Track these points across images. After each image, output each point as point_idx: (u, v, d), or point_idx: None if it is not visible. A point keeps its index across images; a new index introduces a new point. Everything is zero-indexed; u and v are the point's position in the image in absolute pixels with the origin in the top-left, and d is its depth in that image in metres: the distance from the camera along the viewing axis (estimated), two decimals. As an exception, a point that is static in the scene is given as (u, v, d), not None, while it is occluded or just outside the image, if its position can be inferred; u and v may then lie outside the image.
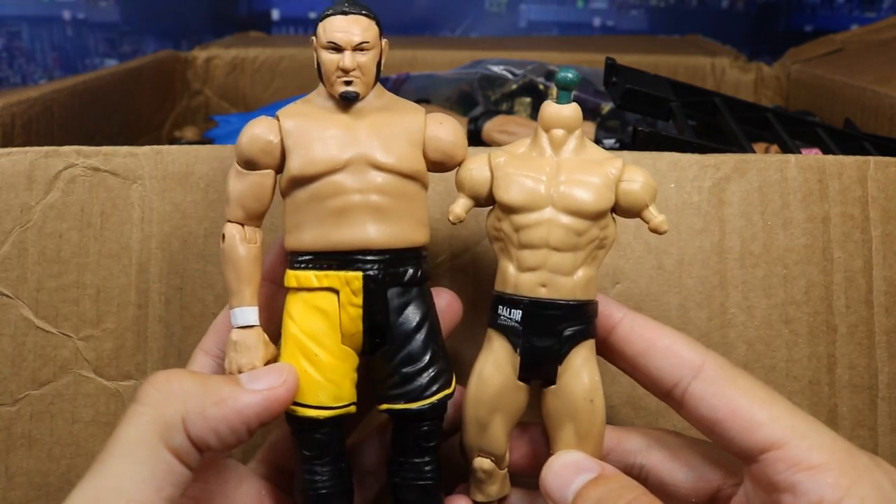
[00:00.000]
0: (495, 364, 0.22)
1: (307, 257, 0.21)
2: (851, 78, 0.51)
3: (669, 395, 0.21)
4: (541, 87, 0.52)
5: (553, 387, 0.22)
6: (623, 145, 0.44)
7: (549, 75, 0.52)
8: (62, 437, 0.28)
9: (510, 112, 0.52)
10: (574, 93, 0.52)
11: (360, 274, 0.21)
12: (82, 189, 0.28)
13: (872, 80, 0.49)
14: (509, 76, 0.52)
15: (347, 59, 0.21)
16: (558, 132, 0.21)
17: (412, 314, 0.22)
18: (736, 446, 0.20)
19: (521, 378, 0.21)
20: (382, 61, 0.22)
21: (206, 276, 0.28)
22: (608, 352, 0.23)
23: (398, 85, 0.55)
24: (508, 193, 0.21)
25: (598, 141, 0.45)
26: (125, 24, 0.94)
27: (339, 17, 0.21)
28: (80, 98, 0.46)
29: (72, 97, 0.44)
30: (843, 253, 0.28)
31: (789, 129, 0.39)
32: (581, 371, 0.21)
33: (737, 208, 0.28)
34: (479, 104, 0.53)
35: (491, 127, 0.48)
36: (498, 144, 0.46)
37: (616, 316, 0.22)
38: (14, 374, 0.28)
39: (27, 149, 0.28)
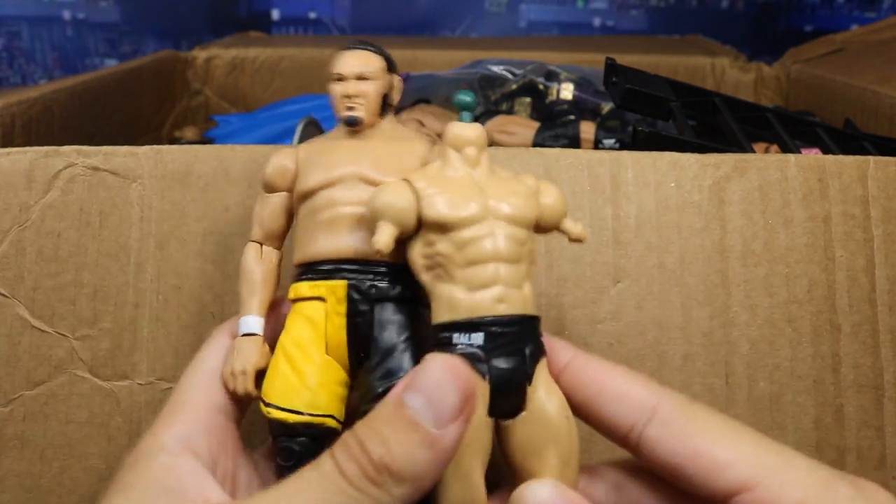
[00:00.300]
0: None
1: (303, 269, 0.22)
2: (851, 78, 0.51)
3: (626, 441, 0.20)
4: (541, 87, 0.51)
5: (523, 414, 0.20)
6: (623, 145, 0.44)
7: (549, 75, 0.52)
8: (55, 439, 0.28)
9: (510, 112, 0.52)
10: (575, 93, 0.52)
11: (344, 283, 0.21)
12: (81, 188, 0.28)
13: (872, 80, 0.48)
14: (509, 76, 0.52)
15: (350, 86, 0.23)
16: (471, 150, 0.21)
17: (397, 331, 0.21)
18: (703, 491, 0.18)
19: (491, 410, 0.19)
20: (395, 96, 0.24)
21: (204, 275, 0.28)
22: None
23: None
24: (445, 210, 0.20)
25: (598, 141, 0.45)
26: (125, 24, 0.94)
27: (346, 52, 0.23)
28: (80, 98, 0.46)
29: (72, 97, 0.44)
30: (845, 252, 0.28)
31: (789, 129, 0.39)
32: (550, 390, 0.20)
33: (737, 207, 0.28)
34: (480, 104, 0.53)
35: (491, 127, 0.48)
36: (498, 144, 0.45)
37: (563, 358, 0.21)
38: (8, 374, 0.28)
39: (27, 148, 0.28)
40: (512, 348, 0.19)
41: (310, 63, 0.67)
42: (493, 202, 0.20)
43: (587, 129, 0.45)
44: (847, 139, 0.40)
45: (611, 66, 0.38)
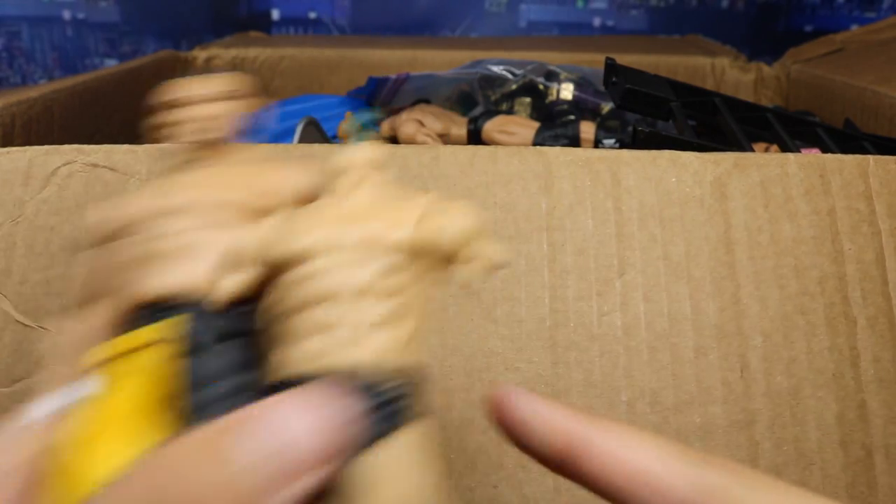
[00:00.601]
0: None
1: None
2: (851, 78, 0.51)
3: None
4: (541, 87, 0.52)
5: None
6: (623, 145, 0.44)
7: (549, 75, 0.52)
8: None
9: (510, 112, 0.52)
10: (575, 93, 0.52)
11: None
12: (78, 184, 0.28)
13: (872, 80, 0.49)
14: (509, 76, 0.52)
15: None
16: (350, 177, 0.18)
17: None
18: None
19: None
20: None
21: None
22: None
23: (398, 85, 0.55)
24: (290, 245, 0.16)
25: (598, 141, 0.45)
26: (125, 24, 0.94)
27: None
28: (80, 98, 0.46)
29: (72, 97, 0.44)
30: (853, 245, 0.28)
31: (789, 129, 0.39)
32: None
33: (739, 202, 0.28)
34: (479, 104, 0.53)
35: (491, 127, 0.48)
36: (498, 144, 0.45)
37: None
38: (-1, 371, 0.27)
39: (27, 148, 0.28)
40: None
41: (310, 63, 0.67)
42: (341, 232, 0.16)
43: (587, 130, 0.45)
44: (847, 139, 0.40)
45: (611, 66, 0.38)
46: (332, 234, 0.16)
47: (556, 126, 0.46)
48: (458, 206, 0.17)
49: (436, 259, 0.17)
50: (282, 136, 0.55)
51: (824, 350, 0.27)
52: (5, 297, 0.28)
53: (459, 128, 0.49)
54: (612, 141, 0.45)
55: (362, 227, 0.16)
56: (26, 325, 0.28)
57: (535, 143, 0.46)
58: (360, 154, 0.18)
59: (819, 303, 0.27)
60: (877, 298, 0.27)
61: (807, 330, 0.27)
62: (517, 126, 0.47)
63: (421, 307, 0.17)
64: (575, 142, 0.45)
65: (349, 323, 0.15)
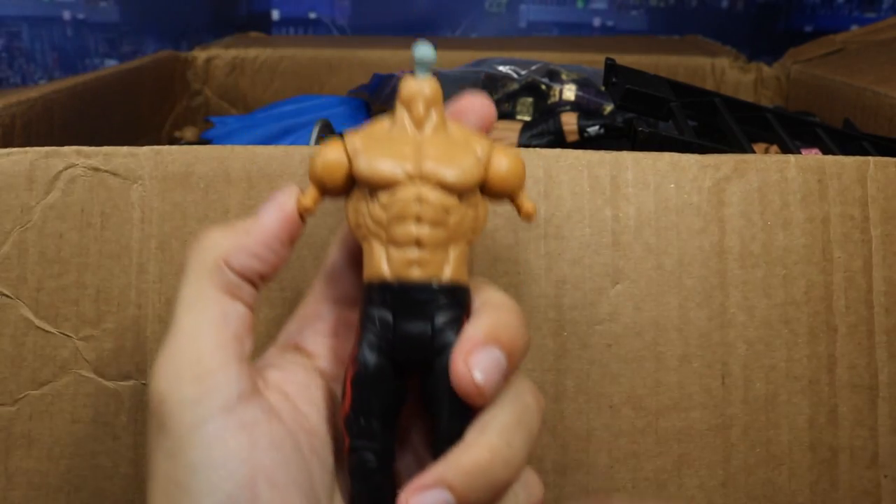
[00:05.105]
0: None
1: None
2: (851, 78, 0.51)
3: None
4: (543, 87, 0.52)
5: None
6: (607, 129, 0.44)
7: (552, 75, 0.52)
8: (62, 438, 0.28)
9: (512, 112, 0.52)
10: (578, 93, 0.52)
11: None
12: (82, 189, 0.28)
13: (872, 81, 0.49)
14: (514, 76, 0.52)
15: None
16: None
17: None
18: None
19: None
20: None
21: (206, 276, 0.28)
22: None
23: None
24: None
25: (582, 130, 0.44)
26: (125, 24, 0.94)
27: None
28: (80, 98, 0.46)
29: (72, 97, 0.44)
30: (843, 253, 0.28)
31: (789, 129, 0.39)
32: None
33: (736, 208, 0.28)
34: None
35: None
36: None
37: None
38: (14, 374, 0.28)
39: (27, 149, 0.28)
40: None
41: (310, 63, 0.67)
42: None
43: (569, 121, 0.45)
44: (847, 139, 0.40)
45: (610, 67, 0.38)
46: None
47: (538, 123, 0.46)
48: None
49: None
50: (279, 137, 0.55)
51: (803, 358, 0.28)
52: (24, 303, 0.28)
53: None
54: (596, 128, 0.44)
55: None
56: (47, 332, 0.28)
57: (520, 144, 0.46)
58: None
59: (804, 312, 0.28)
60: (859, 307, 0.28)
61: (789, 339, 0.28)
62: (499, 131, 0.46)
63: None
64: (559, 135, 0.45)
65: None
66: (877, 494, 0.28)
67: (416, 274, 0.20)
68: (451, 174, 0.20)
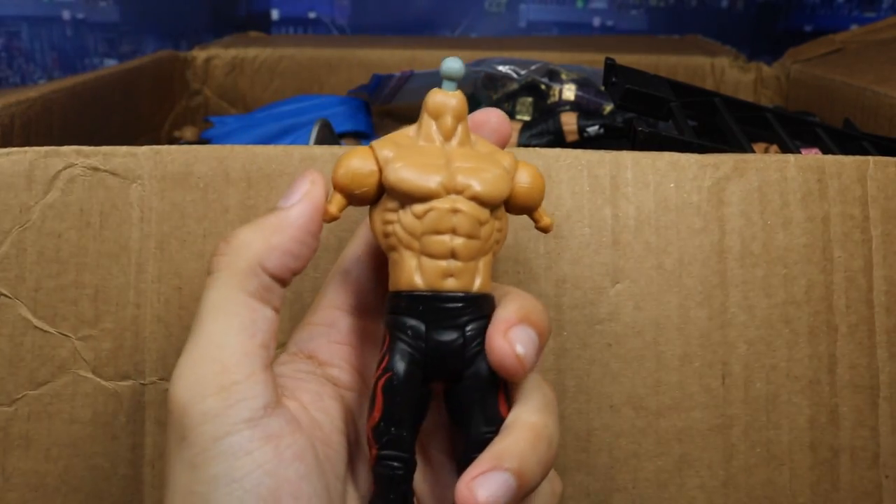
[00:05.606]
0: None
1: None
2: (851, 78, 0.51)
3: None
4: (542, 87, 0.51)
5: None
6: (607, 129, 0.44)
7: (552, 75, 0.52)
8: (60, 438, 0.28)
9: (512, 112, 0.52)
10: (578, 93, 0.52)
11: None
12: (81, 189, 0.28)
13: (872, 80, 0.49)
14: (514, 76, 0.52)
15: None
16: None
17: None
18: None
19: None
20: None
21: (205, 277, 0.28)
22: None
23: (401, 83, 0.55)
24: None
25: (581, 130, 0.44)
26: (125, 24, 0.94)
27: None
28: (80, 98, 0.46)
29: (72, 97, 0.44)
30: (843, 252, 0.28)
31: (789, 129, 0.39)
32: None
33: (736, 208, 0.28)
34: (482, 105, 0.53)
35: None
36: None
37: None
38: (11, 374, 0.28)
39: (26, 149, 0.28)
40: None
41: (309, 63, 0.67)
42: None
43: (568, 121, 0.45)
44: (846, 139, 0.40)
45: (610, 67, 0.38)
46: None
47: (537, 123, 0.46)
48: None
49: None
50: (278, 137, 0.55)
51: (804, 358, 0.28)
52: (22, 303, 0.28)
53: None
54: (595, 127, 0.44)
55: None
56: (45, 331, 0.28)
57: (519, 144, 0.45)
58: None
59: (804, 311, 0.28)
60: (860, 306, 0.28)
61: (789, 338, 0.28)
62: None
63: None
64: (559, 135, 0.45)
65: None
66: (878, 495, 0.28)
67: (450, 284, 0.20)
68: (484, 187, 0.20)
